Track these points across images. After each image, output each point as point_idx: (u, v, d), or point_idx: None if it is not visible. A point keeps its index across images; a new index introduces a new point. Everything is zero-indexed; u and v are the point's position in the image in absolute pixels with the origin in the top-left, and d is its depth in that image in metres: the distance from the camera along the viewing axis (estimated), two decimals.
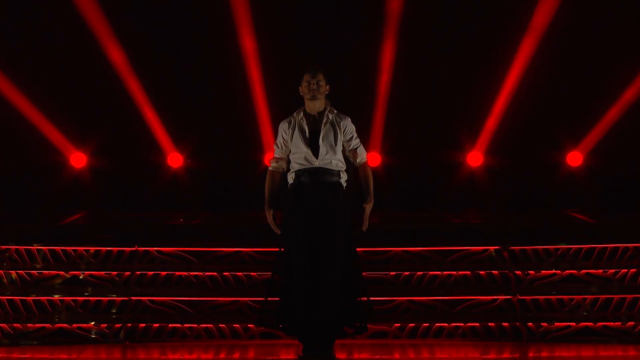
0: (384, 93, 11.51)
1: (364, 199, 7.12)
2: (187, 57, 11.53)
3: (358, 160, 7.20)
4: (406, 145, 11.61)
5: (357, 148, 7.19)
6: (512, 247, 8.91)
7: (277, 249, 7.22)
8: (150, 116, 11.61)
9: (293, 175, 7.11)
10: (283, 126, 7.18)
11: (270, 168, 7.22)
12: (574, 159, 11.62)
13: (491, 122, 11.54)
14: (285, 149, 7.16)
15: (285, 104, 7.63)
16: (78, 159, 11.73)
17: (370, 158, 10.89)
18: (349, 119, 7.19)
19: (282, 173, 7.20)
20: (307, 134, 7.05)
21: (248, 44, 11.48)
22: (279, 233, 7.10)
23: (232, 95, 11.57)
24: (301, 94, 7.12)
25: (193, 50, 11.51)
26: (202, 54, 11.52)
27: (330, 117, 7.11)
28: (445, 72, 11.40)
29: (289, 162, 7.18)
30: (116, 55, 11.43)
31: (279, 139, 7.18)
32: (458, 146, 11.65)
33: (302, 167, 7.04)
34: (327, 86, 7.11)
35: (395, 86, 11.49)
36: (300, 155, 7.07)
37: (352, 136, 7.16)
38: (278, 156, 7.19)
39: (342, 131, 7.10)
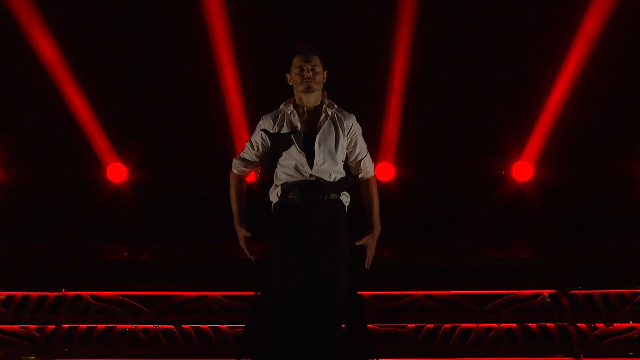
0: (399, 88, 11.55)
1: (366, 227, 7.07)
2: (133, 40, 11.51)
3: (361, 175, 7.19)
4: (429, 154, 11.62)
5: (362, 159, 7.14)
6: (573, 291, 8.97)
7: (254, 292, 7.14)
8: (85, 116, 11.56)
9: (278, 190, 7.04)
10: (266, 122, 7.13)
11: (234, 171, 7.19)
12: None
13: (543, 123, 11.52)
14: (262, 152, 7.09)
15: (265, 96, 7.58)
16: None
17: (380, 170, 10.89)
18: (354, 117, 7.16)
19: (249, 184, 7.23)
20: (301, 135, 6.99)
21: (215, 18, 11.41)
22: (253, 260, 7.04)
23: (194, 89, 11.57)
24: (290, 83, 7.09)
25: (141, 32, 11.48)
26: (154, 36, 11.53)
27: (329, 112, 7.06)
28: (481, 58, 11.45)
29: (261, 171, 7.19)
30: (39, 38, 11.40)
31: (256, 137, 7.13)
32: (499, 155, 11.61)
33: (291, 179, 6.94)
34: (325, 72, 7.05)
35: (412, 79, 11.53)
36: (289, 163, 7.01)
37: (357, 142, 7.13)
38: (248, 158, 7.16)
39: (345, 133, 7.05)
